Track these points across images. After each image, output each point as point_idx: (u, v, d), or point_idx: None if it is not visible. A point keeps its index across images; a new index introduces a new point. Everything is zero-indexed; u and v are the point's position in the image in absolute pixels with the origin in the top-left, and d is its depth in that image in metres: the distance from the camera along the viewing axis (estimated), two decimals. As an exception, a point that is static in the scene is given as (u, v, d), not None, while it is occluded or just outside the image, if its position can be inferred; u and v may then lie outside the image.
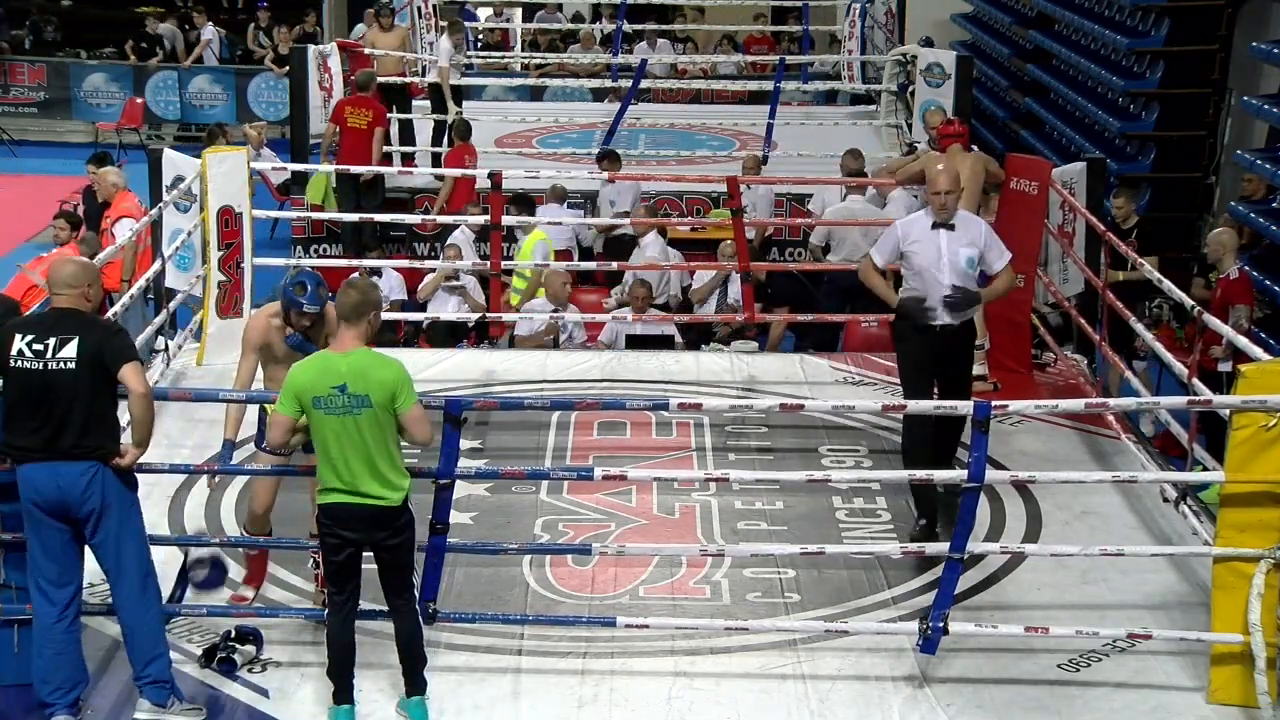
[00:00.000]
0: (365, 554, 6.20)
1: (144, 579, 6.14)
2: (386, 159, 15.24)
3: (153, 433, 6.11)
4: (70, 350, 5.92)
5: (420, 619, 6.35)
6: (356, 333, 6.10)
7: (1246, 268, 10.18)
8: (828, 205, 12.65)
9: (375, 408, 5.99)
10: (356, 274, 7.20)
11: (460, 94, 16.87)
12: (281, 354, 6.86)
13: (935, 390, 7.89)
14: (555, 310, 11.29)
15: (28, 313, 6.98)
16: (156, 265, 9.96)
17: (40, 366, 5.92)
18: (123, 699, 6.28)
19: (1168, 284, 8.75)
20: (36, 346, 5.92)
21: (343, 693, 6.19)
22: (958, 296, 7.74)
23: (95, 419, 5.97)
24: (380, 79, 15.33)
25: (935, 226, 7.85)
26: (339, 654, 6.18)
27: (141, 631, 6.11)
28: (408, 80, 16.49)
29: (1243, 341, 7.53)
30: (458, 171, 13.39)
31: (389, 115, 15.26)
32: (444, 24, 17.14)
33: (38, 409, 5.94)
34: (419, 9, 18.48)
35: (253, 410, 7.04)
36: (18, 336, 5.97)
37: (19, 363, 5.94)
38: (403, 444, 6.17)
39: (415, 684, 6.27)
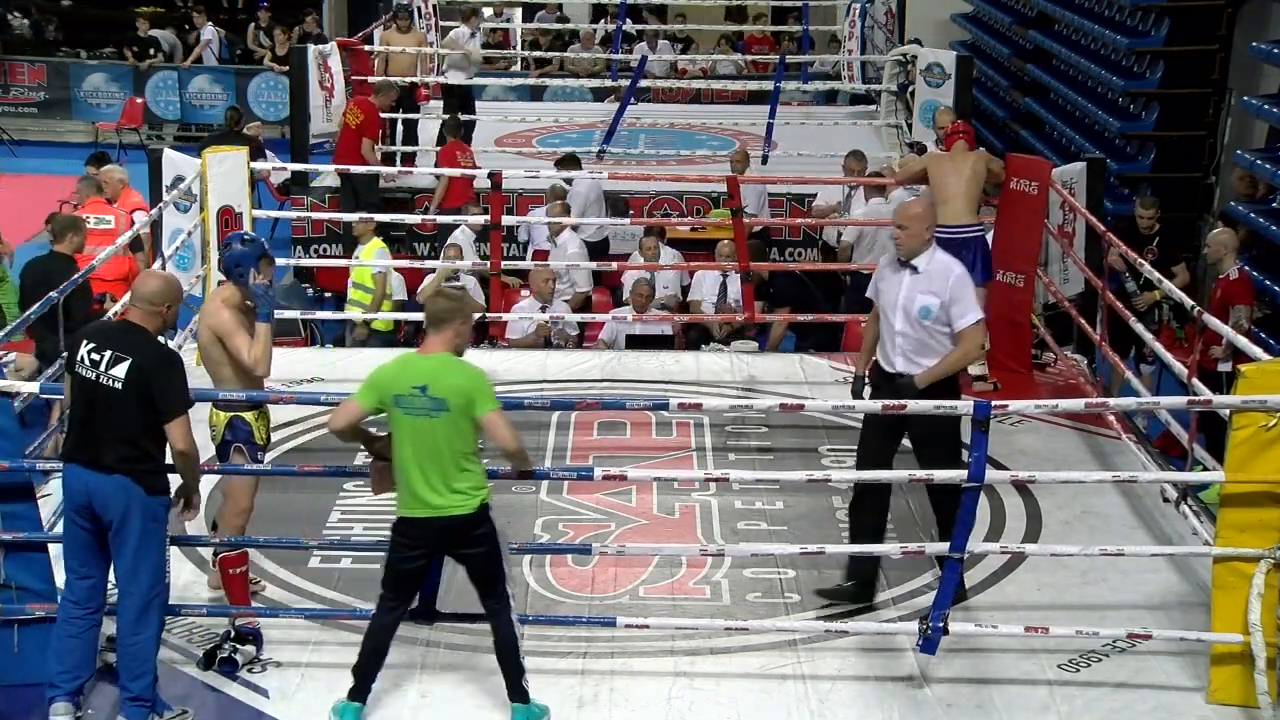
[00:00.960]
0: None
1: (148, 603, 6.06)
2: (389, 159, 15.25)
3: (198, 487, 6.17)
4: (120, 370, 5.94)
5: (515, 627, 6.22)
6: (442, 339, 6.11)
7: (1246, 268, 10.18)
8: (853, 206, 12.61)
9: (453, 412, 5.97)
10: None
11: (471, 97, 16.85)
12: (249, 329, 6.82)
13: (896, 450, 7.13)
14: (544, 309, 11.32)
15: (103, 319, 7.05)
16: (156, 265, 9.96)
17: (93, 377, 5.99)
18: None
19: (1168, 284, 8.75)
20: (94, 356, 5.99)
21: (358, 691, 6.17)
22: (898, 375, 7.00)
23: (132, 442, 5.97)
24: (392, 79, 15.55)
25: (900, 264, 7.12)
26: (369, 653, 6.15)
27: (132, 651, 6.07)
28: (418, 82, 16.53)
29: (1242, 341, 7.53)
30: (456, 171, 13.36)
31: (392, 116, 15.30)
32: (463, 11, 17.19)
33: (88, 417, 6.03)
34: (419, 9, 18.49)
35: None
36: (85, 342, 6.07)
37: (80, 369, 6.04)
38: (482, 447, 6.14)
39: (515, 692, 6.19)
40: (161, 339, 6.23)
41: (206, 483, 7.35)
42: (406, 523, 6.11)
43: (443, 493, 6.02)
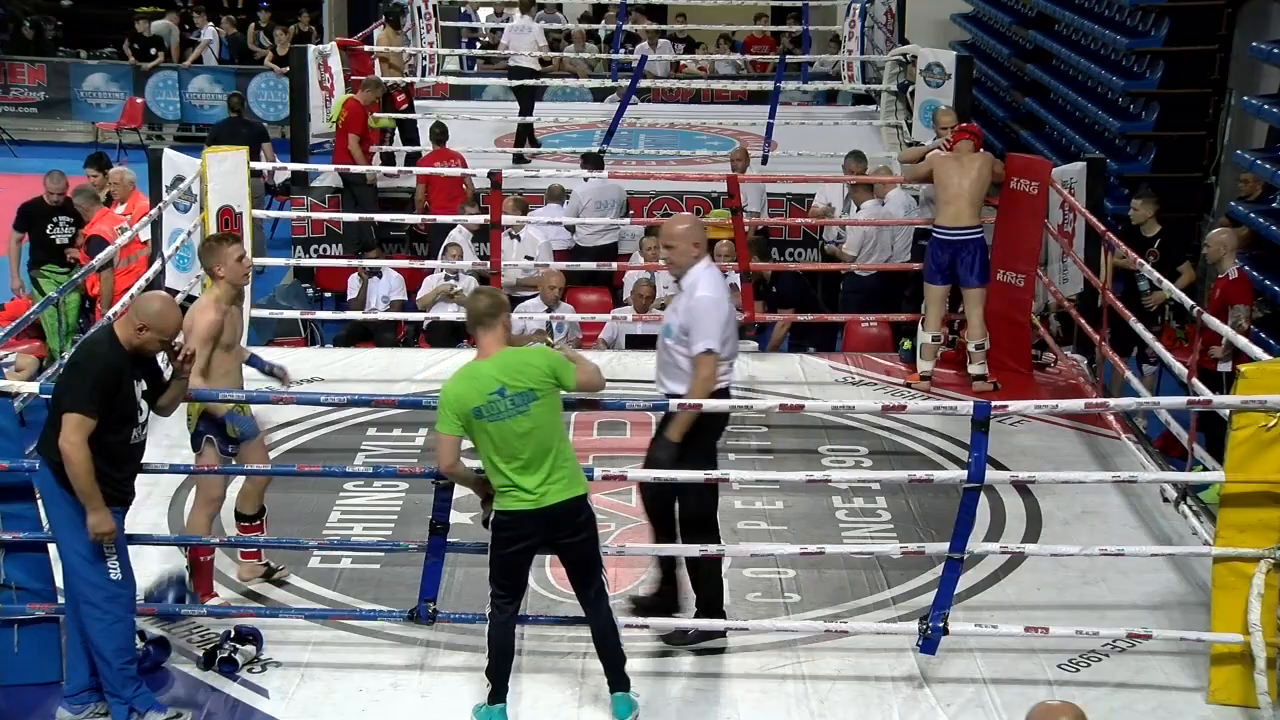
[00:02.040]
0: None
1: (76, 596, 6.03)
2: (388, 160, 15.25)
3: (87, 484, 5.89)
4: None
5: (614, 615, 6.24)
6: (495, 336, 6.09)
7: (1246, 268, 10.18)
8: (862, 207, 12.58)
9: (543, 398, 5.98)
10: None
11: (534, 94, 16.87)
12: (230, 340, 6.96)
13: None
14: (548, 310, 11.31)
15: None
16: (156, 265, 9.96)
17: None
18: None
19: (1168, 284, 8.75)
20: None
21: (498, 693, 6.16)
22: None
23: (52, 430, 6.00)
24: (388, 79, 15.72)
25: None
26: (500, 655, 6.15)
27: (92, 643, 6.07)
28: (408, 80, 16.55)
29: (1242, 341, 7.53)
30: (456, 171, 13.35)
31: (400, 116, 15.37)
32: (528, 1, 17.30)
33: None
34: (419, 9, 18.49)
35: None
36: None
37: None
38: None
39: (618, 681, 6.21)
40: (113, 346, 6.05)
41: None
42: (514, 516, 6.04)
43: (554, 480, 6.01)
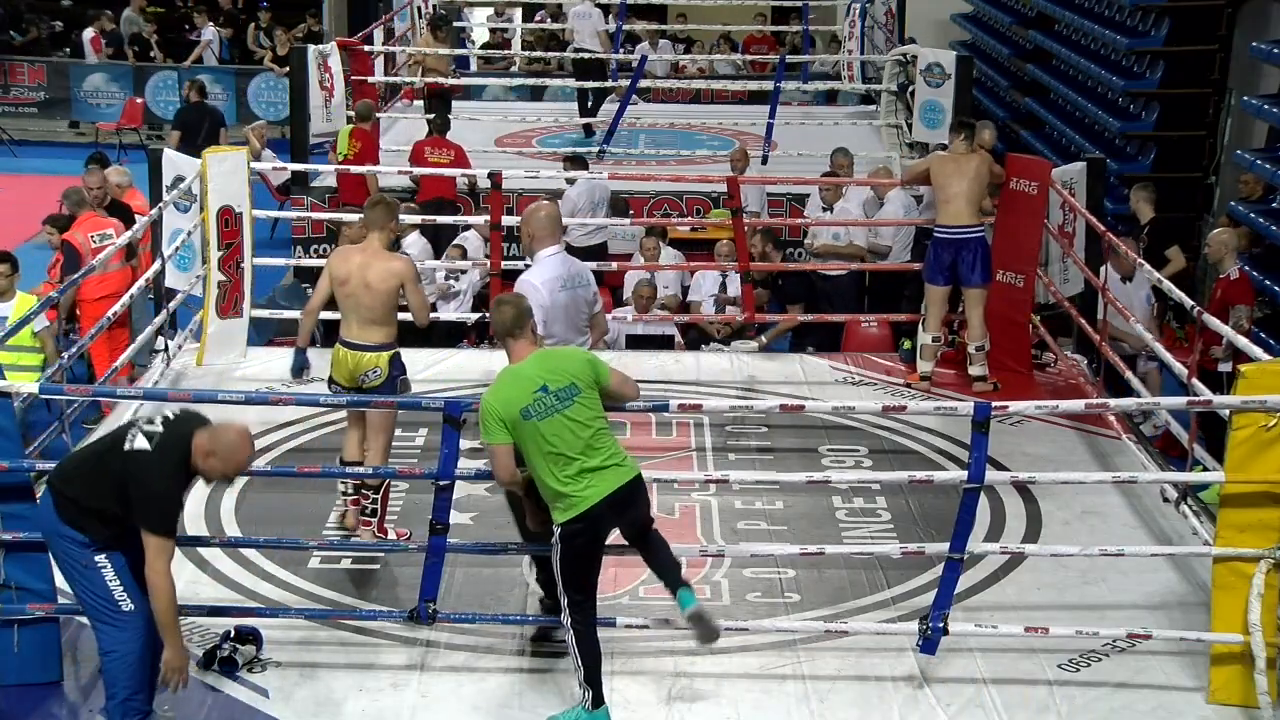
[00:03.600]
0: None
1: (94, 623, 5.93)
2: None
3: (172, 617, 5.77)
4: (140, 443, 5.76)
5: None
6: (527, 340, 6.27)
7: (1246, 268, 10.19)
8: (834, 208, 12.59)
9: (584, 391, 6.11)
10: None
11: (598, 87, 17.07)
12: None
13: None
14: None
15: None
16: (156, 265, 9.96)
17: (130, 425, 5.97)
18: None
19: (1167, 284, 8.75)
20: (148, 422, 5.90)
21: (599, 697, 6.16)
22: None
23: (88, 497, 5.84)
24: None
25: None
26: (591, 656, 6.14)
27: (103, 672, 6.01)
28: (450, 83, 16.64)
29: (1242, 341, 7.53)
30: (459, 172, 13.34)
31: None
32: None
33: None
34: (419, 9, 18.50)
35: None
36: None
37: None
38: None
39: (679, 581, 6.26)
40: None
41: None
42: (580, 518, 6.06)
43: (609, 467, 6.08)
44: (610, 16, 18.93)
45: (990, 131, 11.56)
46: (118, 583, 5.86)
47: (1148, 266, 9.16)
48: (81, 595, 5.93)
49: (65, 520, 5.83)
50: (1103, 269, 10.17)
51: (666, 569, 6.32)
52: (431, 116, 15.03)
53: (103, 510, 5.79)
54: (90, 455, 6.05)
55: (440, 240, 12.69)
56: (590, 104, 17.22)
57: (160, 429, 5.82)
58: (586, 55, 17.14)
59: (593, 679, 6.17)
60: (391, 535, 7.71)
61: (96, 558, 5.82)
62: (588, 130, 17.03)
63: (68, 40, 23.53)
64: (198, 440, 5.76)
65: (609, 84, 17.47)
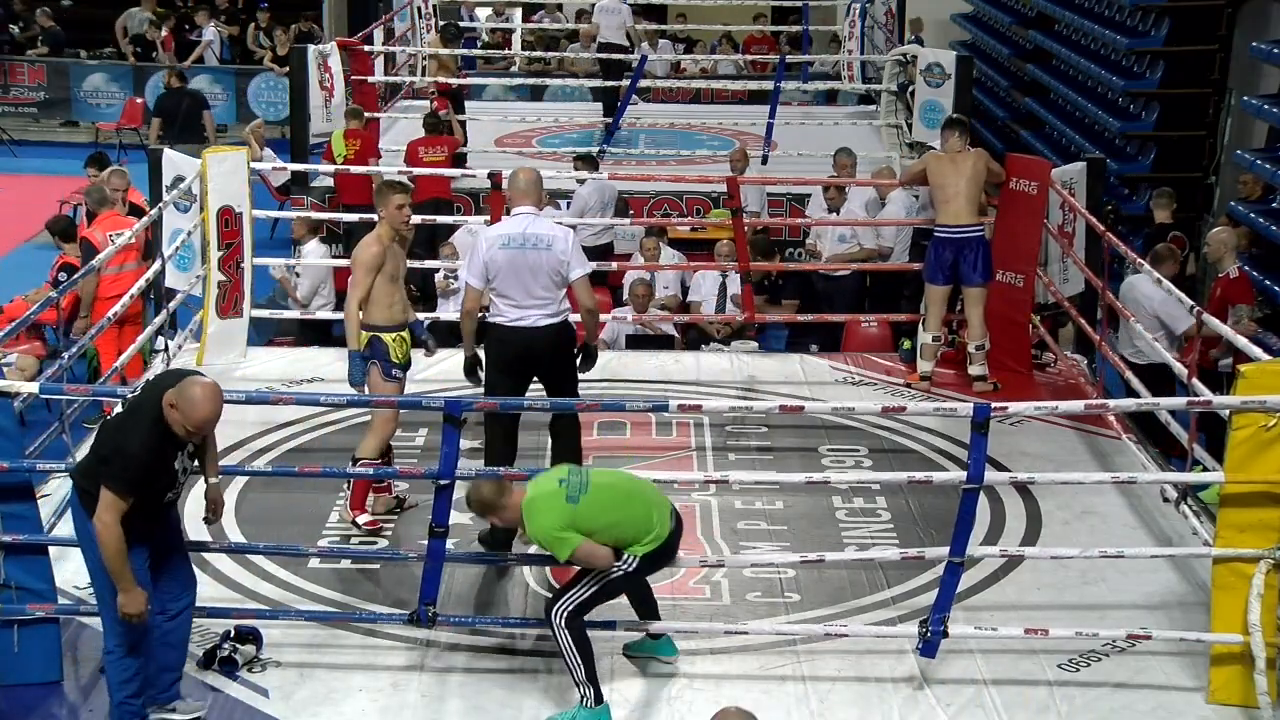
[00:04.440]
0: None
1: (106, 614, 5.97)
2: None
3: (118, 565, 5.75)
4: (119, 407, 5.98)
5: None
6: (520, 494, 6.37)
7: (1246, 267, 10.18)
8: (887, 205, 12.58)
9: (608, 476, 6.54)
10: None
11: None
12: (393, 272, 7.72)
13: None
14: None
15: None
16: (156, 265, 9.96)
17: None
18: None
19: (1167, 283, 8.75)
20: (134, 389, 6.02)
21: (599, 694, 6.24)
22: None
23: (93, 472, 5.91)
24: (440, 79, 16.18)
25: None
26: (590, 657, 6.23)
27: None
28: (461, 83, 16.66)
29: (1242, 341, 7.53)
30: (458, 172, 13.34)
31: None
32: None
33: None
34: (419, 9, 18.50)
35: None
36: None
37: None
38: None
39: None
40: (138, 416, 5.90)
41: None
42: (664, 540, 6.34)
43: (659, 521, 6.32)
44: None
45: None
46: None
47: (1148, 266, 9.16)
48: (98, 589, 5.95)
49: (91, 513, 5.85)
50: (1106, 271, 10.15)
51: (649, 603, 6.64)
52: (424, 116, 15.06)
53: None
54: (93, 450, 6.06)
55: (435, 239, 12.68)
56: (619, 103, 17.28)
57: (138, 391, 5.95)
58: (615, 55, 17.23)
59: (592, 677, 6.19)
60: (362, 520, 7.76)
61: None
62: (610, 130, 16.90)
63: (69, 40, 23.52)
64: (167, 395, 5.82)
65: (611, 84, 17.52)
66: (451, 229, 12.60)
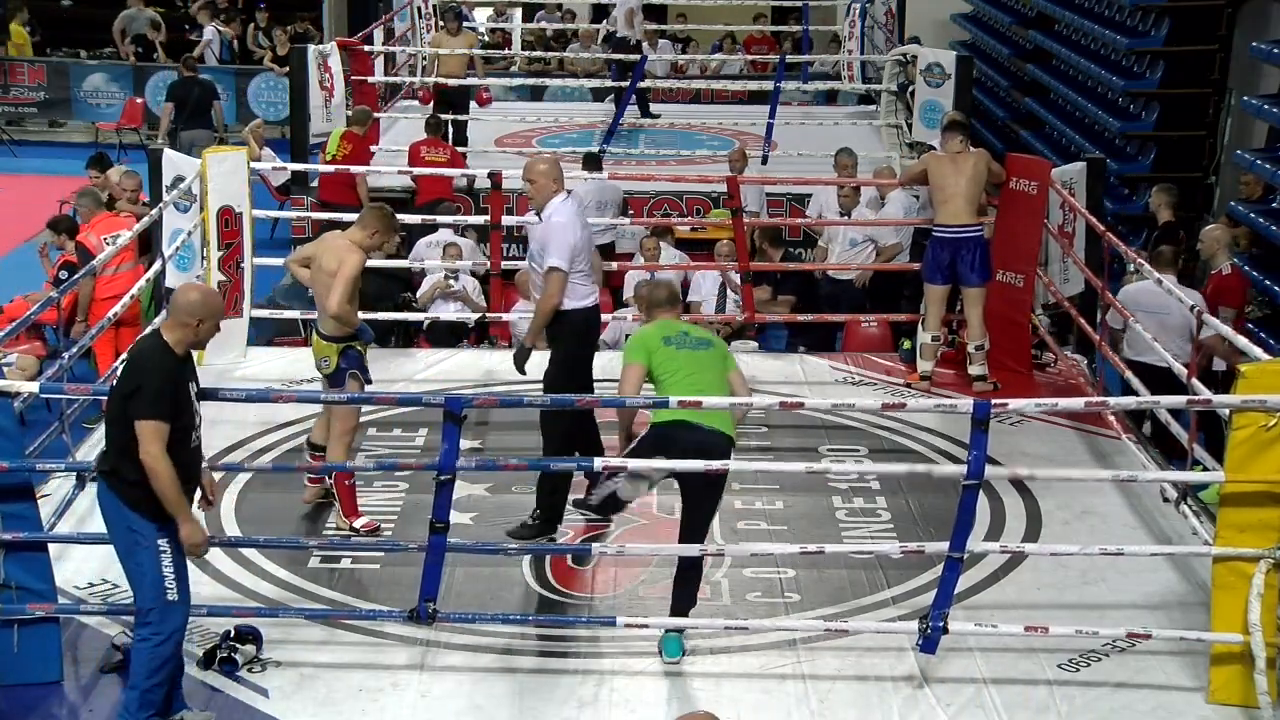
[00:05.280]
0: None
1: (144, 612, 5.94)
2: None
3: (175, 495, 5.86)
4: (119, 371, 5.94)
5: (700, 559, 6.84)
6: (672, 316, 7.09)
7: (1243, 265, 10.16)
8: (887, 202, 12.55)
9: (715, 350, 6.94)
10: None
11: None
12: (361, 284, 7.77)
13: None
14: None
15: None
16: (157, 265, 9.96)
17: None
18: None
19: (1167, 283, 8.75)
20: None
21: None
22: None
23: (115, 445, 5.92)
24: (441, 79, 16.14)
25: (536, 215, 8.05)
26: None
27: (132, 654, 6.03)
28: (471, 84, 16.63)
29: (1242, 341, 7.53)
30: (457, 172, 13.34)
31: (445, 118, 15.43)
32: None
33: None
34: (419, 9, 18.49)
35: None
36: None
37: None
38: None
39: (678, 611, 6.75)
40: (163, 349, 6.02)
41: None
42: (669, 426, 6.63)
43: (710, 413, 6.63)
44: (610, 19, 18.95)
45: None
46: (171, 570, 5.94)
47: (1148, 266, 9.16)
48: (134, 576, 5.96)
49: (130, 504, 5.88)
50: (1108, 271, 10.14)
51: (685, 585, 6.76)
52: (426, 118, 15.05)
53: (138, 470, 5.84)
54: (106, 430, 6.04)
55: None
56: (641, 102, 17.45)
57: (130, 350, 6.04)
58: (616, 56, 17.40)
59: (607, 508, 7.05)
60: (359, 524, 7.77)
61: (159, 540, 5.90)
62: (610, 130, 16.85)
63: (68, 40, 23.50)
64: (167, 330, 5.97)
65: (612, 82, 17.53)
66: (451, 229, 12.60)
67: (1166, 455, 8.99)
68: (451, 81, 16.33)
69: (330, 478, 7.85)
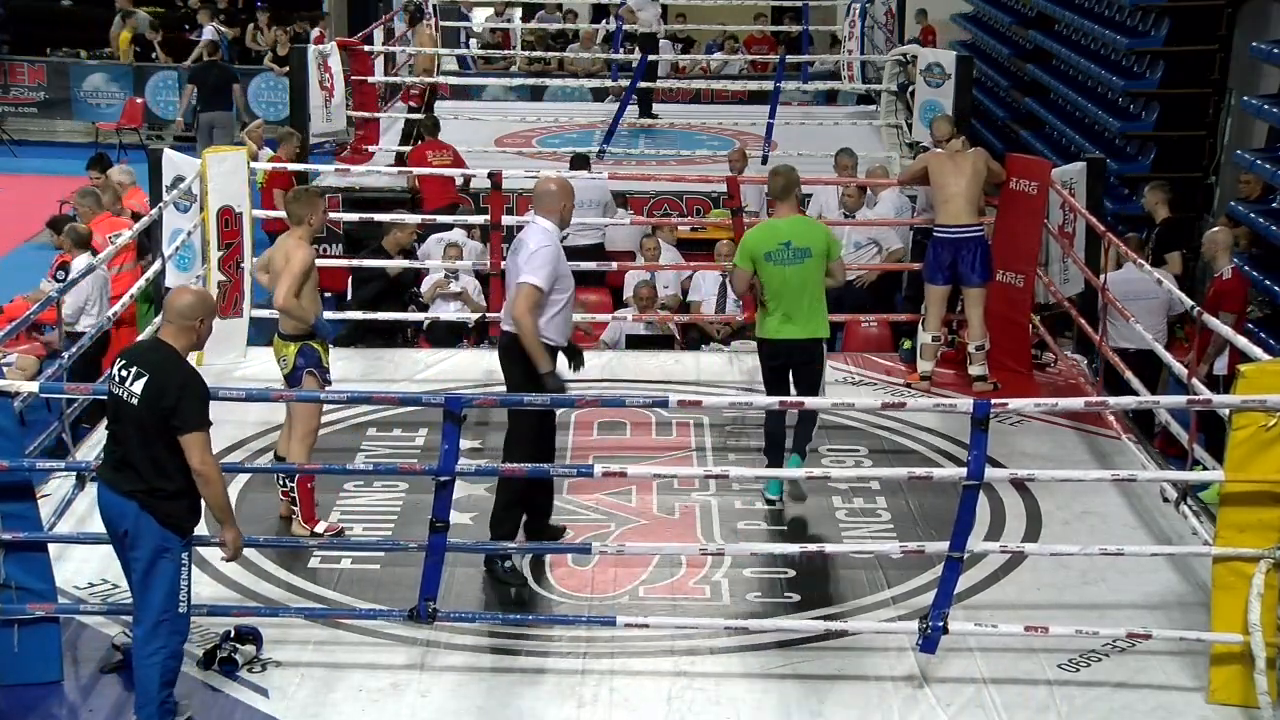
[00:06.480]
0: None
1: (157, 624, 5.91)
2: (400, 160, 15.21)
3: (226, 501, 5.99)
4: (138, 387, 5.84)
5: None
6: (789, 206, 8.14)
7: (1244, 267, 10.16)
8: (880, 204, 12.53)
9: (815, 257, 8.01)
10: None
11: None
12: (315, 278, 7.73)
13: None
14: None
15: (140, 338, 6.91)
16: (157, 265, 9.96)
17: (119, 394, 5.92)
18: (123, 699, 6.27)
19: (1167, 283, 8.76)
20: (122, 373, 5.92)
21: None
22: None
23: (150, 462, 5.87)
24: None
25: None
26: (772, 439, 8.19)
27: (140, 670, 5.98)
28: (434, 80, 16.62)
29: (1242, 342, 7.53)
30: (456, 172, 13.34)
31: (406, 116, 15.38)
32: None
33: (114, 435, 6.01)
34: (419, 8, 18.48)
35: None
36: (119, 360, 6.02)
37: (109, 384, 6.01)
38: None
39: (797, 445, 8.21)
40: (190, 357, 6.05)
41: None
42: (772, 344, 8.15)
43: (809, 319, 8.04)
44: (610, 18, 18.97)
45: (948, 124, 11.61)
46: (185, 583, 5.97)
47: (1148, 266, 9.16)
48: (150, 588, 5.90)
49: (165, 520, 5.88)
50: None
51: (801, 427, 8.14)
52: (422, 119, 15.04)
53: (175, 484, 5.86)
54: (133, 447, 5.93)
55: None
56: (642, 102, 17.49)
57: (145, 363, 5.90)
58: (649, 39, 17.54)
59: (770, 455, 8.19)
60: (321, 528, 7.71)
61: (182, 555, 5.94)
62: (610, 130, 16.83)
63: (68, 41, 23.50)
64: (172, 336, 5.98)
65: (611, 83, 17.53)
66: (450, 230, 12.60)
67: (1164, 453, 9.00)
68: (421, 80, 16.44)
69: (292, 480, 7.72)
